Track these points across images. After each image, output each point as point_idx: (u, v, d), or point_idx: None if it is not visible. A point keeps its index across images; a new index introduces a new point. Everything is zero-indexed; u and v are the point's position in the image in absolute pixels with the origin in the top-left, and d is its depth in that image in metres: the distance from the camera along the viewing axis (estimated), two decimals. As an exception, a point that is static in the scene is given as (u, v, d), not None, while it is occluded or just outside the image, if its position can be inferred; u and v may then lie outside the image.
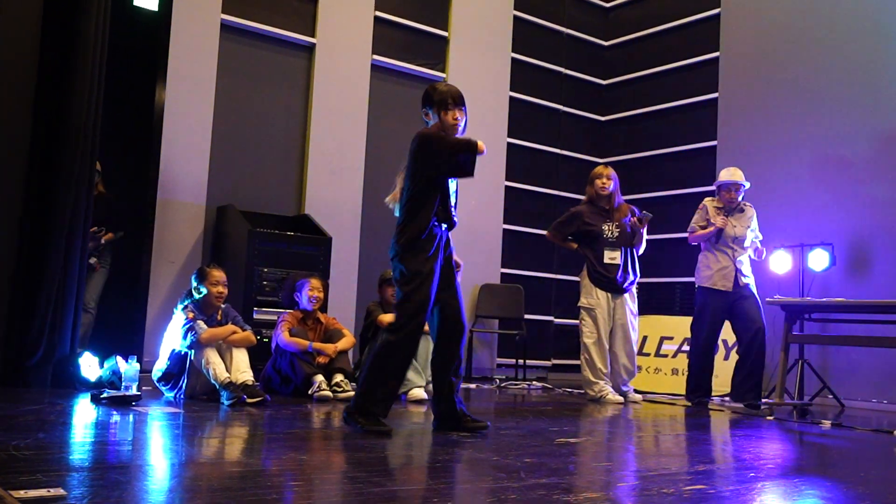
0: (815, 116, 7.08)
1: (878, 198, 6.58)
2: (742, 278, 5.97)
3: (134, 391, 4.41)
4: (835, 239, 6.59)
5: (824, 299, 5.92)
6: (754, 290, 6.01)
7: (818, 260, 6.54)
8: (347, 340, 5.47)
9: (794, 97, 7.26)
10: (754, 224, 6.11)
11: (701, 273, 6.10)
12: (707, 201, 6.20)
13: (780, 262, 6.71)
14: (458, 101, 3.86)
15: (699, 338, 6.08)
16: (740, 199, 6.09)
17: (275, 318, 5.62)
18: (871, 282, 6.49)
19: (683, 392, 6.25)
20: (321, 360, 5.29)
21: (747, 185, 6.09)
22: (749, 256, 6.08)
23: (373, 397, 3.69)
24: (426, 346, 5.54)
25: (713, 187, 7.55)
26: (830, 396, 6.36)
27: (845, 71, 6.94)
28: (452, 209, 3.90)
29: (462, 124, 3.88)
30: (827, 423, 5.03)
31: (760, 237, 6.18)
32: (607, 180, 6.11)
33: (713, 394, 6.16)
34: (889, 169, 6.57)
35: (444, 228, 3.88)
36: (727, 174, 6.11)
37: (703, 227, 6.08)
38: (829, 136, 6.97)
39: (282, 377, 5.28)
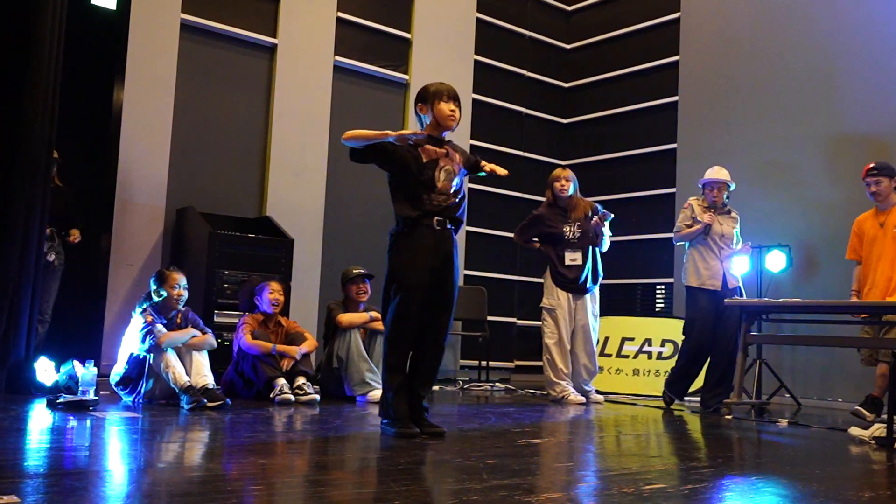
0: (772, 120, 7.20)
1: (829, 201, 6.69)
2: (731, 280, 5.82)
3: (91, 396, 4.34)
4: (788, 241, 6.69)
5: (782, 300, 6.00)
6: (743, 294, 5.81)
7: (775, 261, 6.65)
8: (310, 343, 5.44)
9: (751, 101, 7.37)
10: (738, 231, 5.96)
11: (689, 273, 5.92)
12: (692, 200, 6.02)
13: (739, 264, 6.79)
14: (452, 95, 3.90)
15: (690, 338, 5.90)
16: (725, 197, 5.92)
17: (235, 320, 5.57)
18: (820, 283, 6.60)
19: (644, 392, 6.28)
20: (285, 362, 5.25)
21: (733, 185, 5.94)
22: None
23: (385, 399, 3.84)
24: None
25: (674, 189, 7.70)
26: (787, 395, 6.47)
27: (800, 76, 7.07)
28: (429, 204, 3.80)
29: (457, 118, 3.90)
30: (784, 422, 5.12)
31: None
32: (566, 182, 6.12)
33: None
34: (839, 173, 6.70)
35: (431, 227, 3.80)
36: (712, 172, 5.94)
37: (689, 227, 5.89)
38: (785, 140, 7.09)
39: (244, 381, 5.23)
